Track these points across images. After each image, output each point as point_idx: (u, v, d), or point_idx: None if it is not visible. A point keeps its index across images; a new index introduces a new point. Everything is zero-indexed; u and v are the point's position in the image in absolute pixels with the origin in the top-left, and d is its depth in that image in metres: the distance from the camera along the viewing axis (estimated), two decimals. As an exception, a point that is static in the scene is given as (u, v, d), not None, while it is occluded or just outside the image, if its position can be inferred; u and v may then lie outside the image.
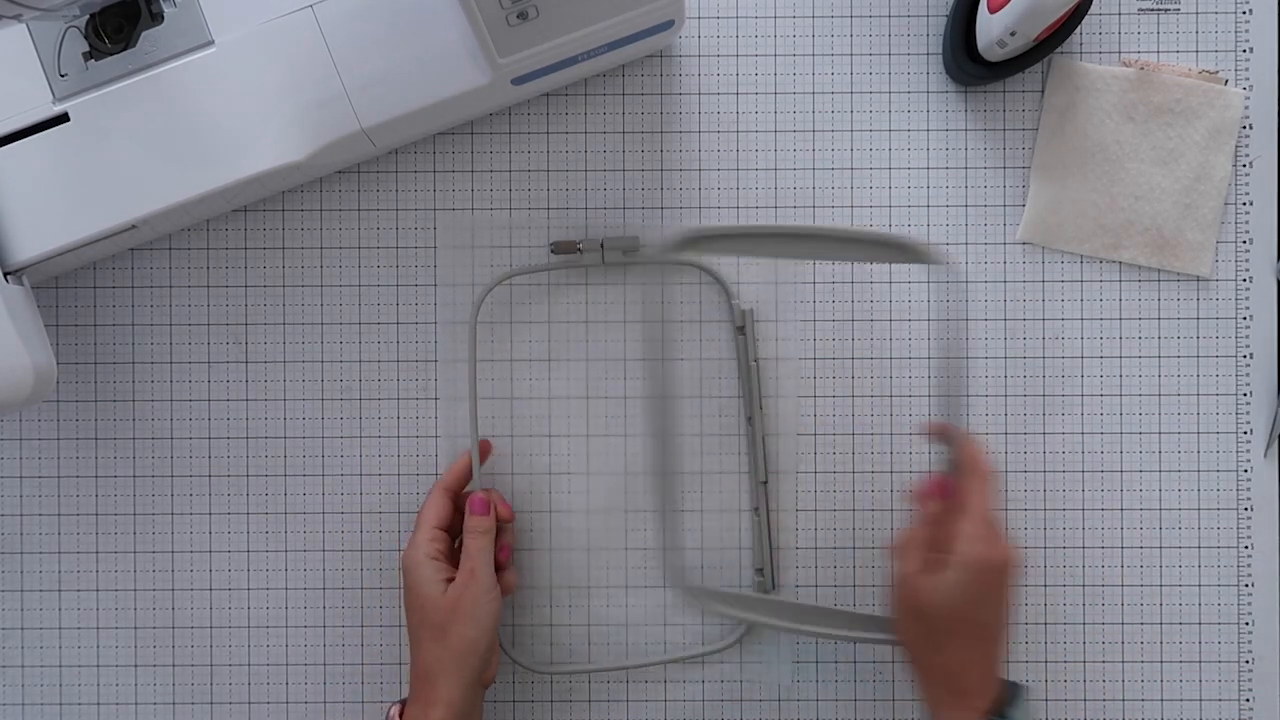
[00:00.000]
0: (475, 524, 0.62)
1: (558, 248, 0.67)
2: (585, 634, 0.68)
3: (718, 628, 0.68)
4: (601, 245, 0.66)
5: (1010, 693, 0.58)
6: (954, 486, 0.58)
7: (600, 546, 0.68)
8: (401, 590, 0.63)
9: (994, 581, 0.56)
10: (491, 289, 0.67)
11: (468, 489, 0.65)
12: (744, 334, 0.67)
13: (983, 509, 0.57)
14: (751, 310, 0.68)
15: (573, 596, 0.68)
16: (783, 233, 0.63)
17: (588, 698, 0.68)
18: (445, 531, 0.63)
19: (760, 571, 0.67)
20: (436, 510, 0.63)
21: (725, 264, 0.68)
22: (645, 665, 0.68)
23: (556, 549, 0.68)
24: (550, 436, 0.68)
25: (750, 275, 0.68)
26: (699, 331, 0.68)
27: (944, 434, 0.61)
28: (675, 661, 0.68)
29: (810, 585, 0.68)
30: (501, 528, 0.64)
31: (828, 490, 0.68)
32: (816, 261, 0.67)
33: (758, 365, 0.67)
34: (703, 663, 0.68)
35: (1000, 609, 0.57)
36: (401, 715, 0.60)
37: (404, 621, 0.63)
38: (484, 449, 0.67)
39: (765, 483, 0.67)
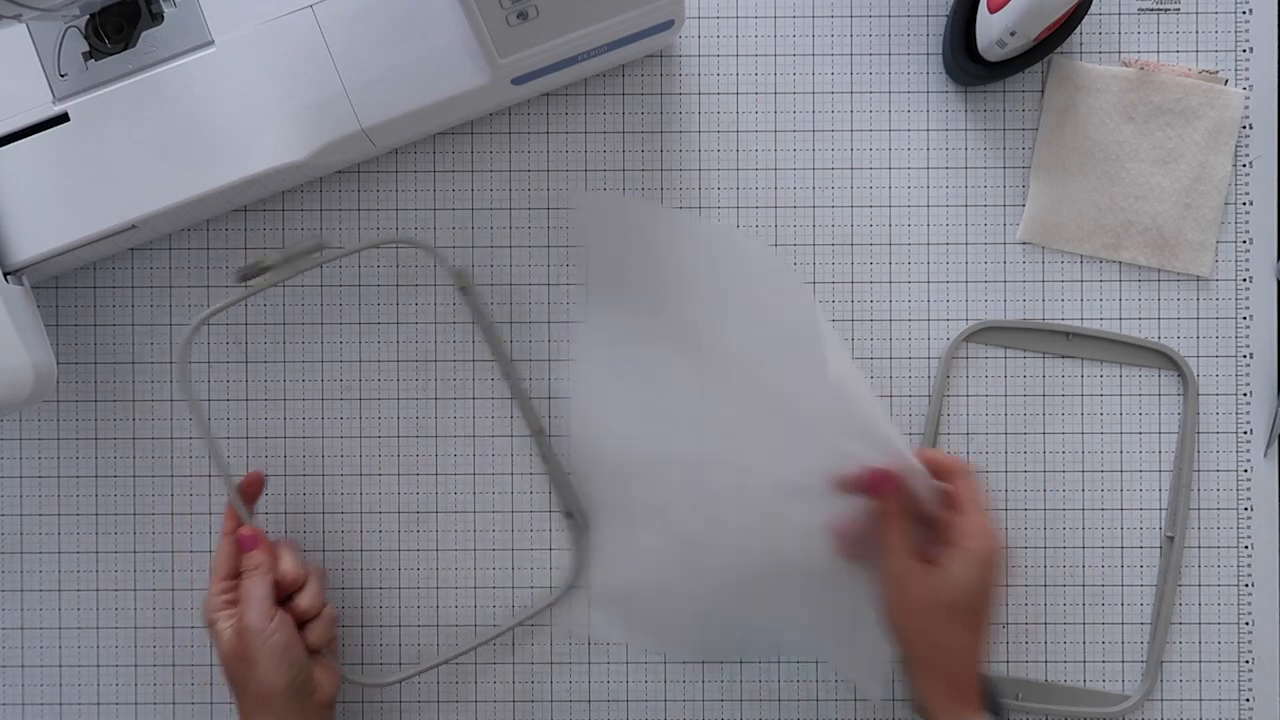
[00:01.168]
0: (247, 561, 0.61)
1: (246, 272, 0.61)
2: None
3: (535, 591, 0.67)
4: (288, 259, 0.62)
5: (989, 686, 0.58)
6: (942, 485, 0.59)
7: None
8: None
9: (997, 573, 0.57)
10: (194, 332, 0.61)
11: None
12: (469, 294, 0.67)
13: (978, 502, 0.58)
14: (469, 269, 0.67)
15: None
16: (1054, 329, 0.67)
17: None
18: (230, 582, 0.61)
19: (569, 515, 0.68)
20: (224, 559, 0.61)
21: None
22: (473, 649, 0.67)
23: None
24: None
25: (450, 241, 0.68)
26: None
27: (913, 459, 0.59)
28: (500, 635, 0.67)
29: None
30: (303, 567, 0.62)
31: None
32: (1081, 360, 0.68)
33: (491, 326, 0.67)
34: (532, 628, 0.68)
35: (995, 599, 0.58)
36: None
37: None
38: (255, 482, 0.64)
39: (542, 433, 0.68)
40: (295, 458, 0.69)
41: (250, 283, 0.61)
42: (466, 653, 0.67)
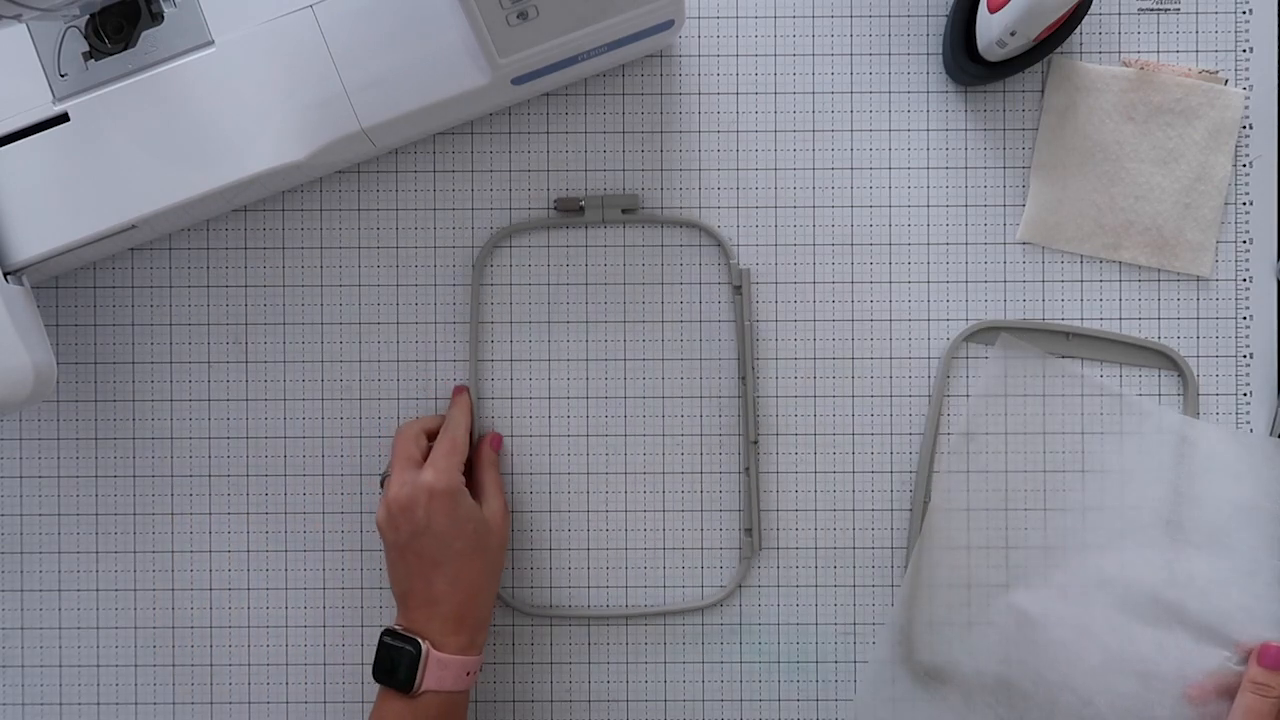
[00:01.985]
0: (494, 459, 0.66)
1: (561, 204, 0.68)
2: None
3: (714, 589, 0.68)
4: (602, 202, 0.67)
5: None
6: None
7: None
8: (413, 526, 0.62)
9: None
10: (494, 243, 0.68)
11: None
12: (740, 294, 0.67)
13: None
14: (749, 270, 0.68)
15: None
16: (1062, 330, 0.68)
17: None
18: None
19: (749, 532, 0.67)
20: (466, 440, 0.65)
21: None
22: (644, 613, 0.68)
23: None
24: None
25: (749, 238, 0.68)
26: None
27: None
28: (674, 612, 0.68)
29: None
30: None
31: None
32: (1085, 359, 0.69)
33: (752, 326, 0.68)
34: (703, 616, 0.68)
35: None
36: (434, 646, 0.60)
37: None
38: (495, 442, 0.67)
39: (755, 443, 0.68)
40: (295, 458, 0.69)
41: (556, 214, 0.68)
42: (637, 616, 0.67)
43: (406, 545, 0.61)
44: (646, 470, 0.68)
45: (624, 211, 0.68)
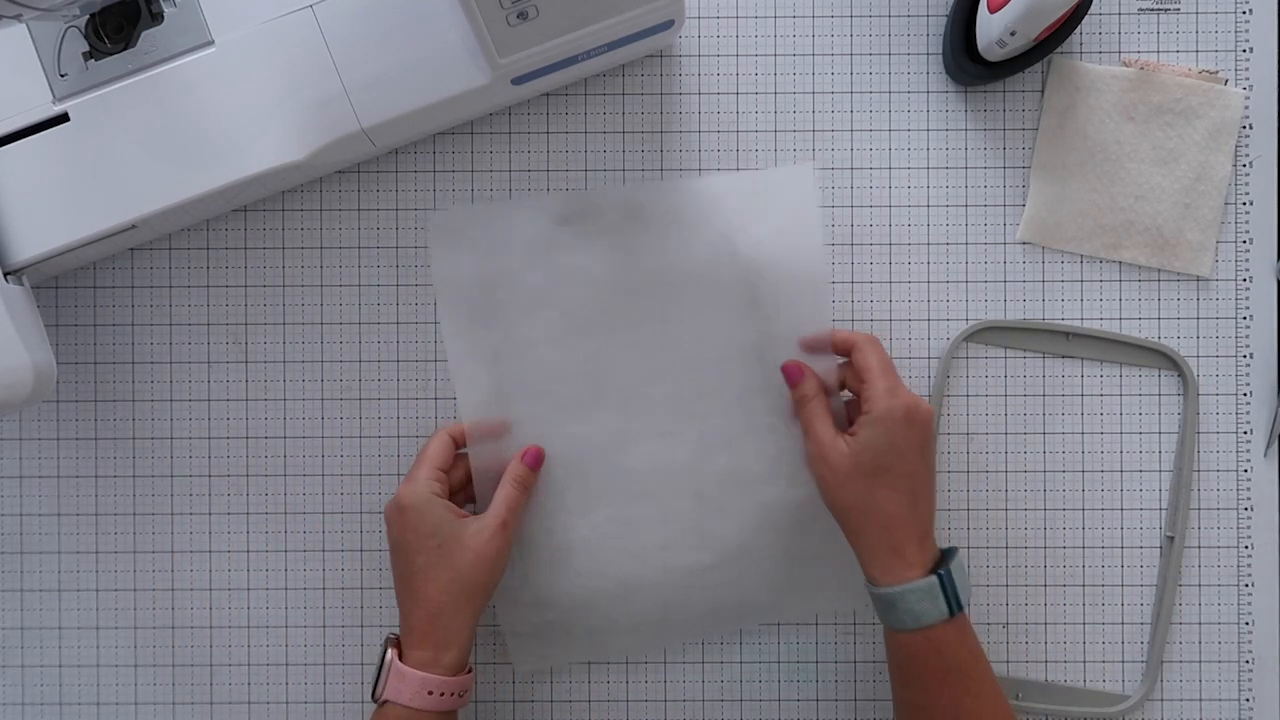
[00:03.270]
0: (524, 476, 0.63)
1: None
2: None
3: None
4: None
5: (947, 555, 0.58)
6: (849, 358, 0.62)
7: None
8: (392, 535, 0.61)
9: (913, 430, 0.58)
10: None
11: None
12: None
13: (883, 366, 0.59)
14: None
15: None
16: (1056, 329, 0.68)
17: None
18: (446, 475, 0.62)
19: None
20: (443, 452, 0.62)
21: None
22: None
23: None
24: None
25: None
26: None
27: (814, 343, 0.63)
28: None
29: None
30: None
31: None
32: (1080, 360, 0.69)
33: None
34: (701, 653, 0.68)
35: (923, 458, 0.59)
36: (401, 657, 0.59)
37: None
38: (532, 458, 0.64)
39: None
40: (295, 458, 0.69)
41: None
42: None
43: (390, 553, 0.61)
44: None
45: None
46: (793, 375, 0.63)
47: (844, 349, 0.62)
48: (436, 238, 0.65)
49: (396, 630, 0.61)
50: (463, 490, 0.64)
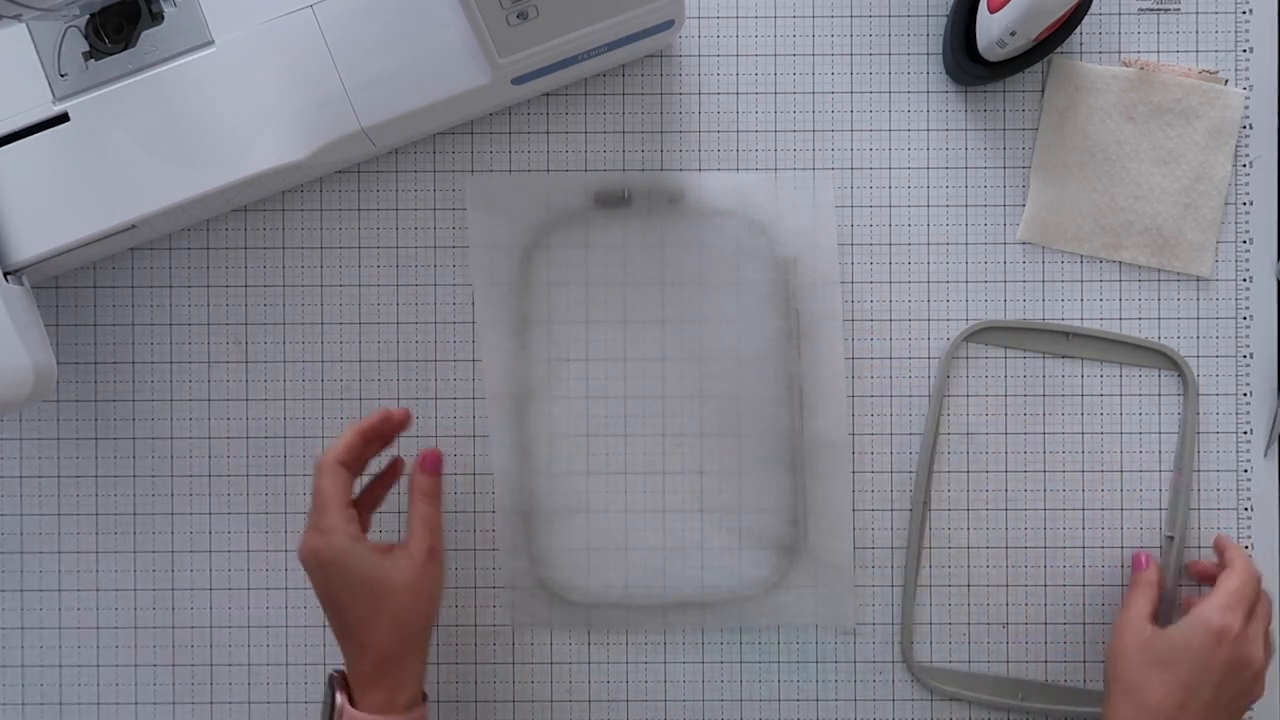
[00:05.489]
0: (429, 487, 0.59)
1: (602, 198, 0.67)
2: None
3: (756, 572, 0.68)
4: (649, 193, 0.67)
5: None
6: (1219, 564, 0.63)
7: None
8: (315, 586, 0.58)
9: (1219, 651, 0.58)
10: (534, 244, 0.67)
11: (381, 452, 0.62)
12: (788, 285, 0.67)
13: (1240, 593, 0.59)
14: (795, 259, 0.67)
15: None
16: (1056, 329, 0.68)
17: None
18: (354, 508, 0.58)
19: (794, 523, 0.67)
20: (343, 486, 0.57)
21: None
22: (681, 603, 0.68)
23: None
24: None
25: (789, 228, 0.67)
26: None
27: (1222, 545, 0.65)
28: (711, 604, 0.68)
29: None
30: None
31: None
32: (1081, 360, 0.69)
33: (798, 314, 0.67)
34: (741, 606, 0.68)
35: (1212, 684, 0.57)
36: (351, 700, 0.56)
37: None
38: (430, 463, 0.61)
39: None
40: (295, 458, 0.69)
41: (599, 209, 0.67)
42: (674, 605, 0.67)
43: (320, 602, 0.58)
44: (647, 471, 0.68)
45: (669, 202, 0.67)
46: (1138, 562, 0.65)
47: (1221, 556, 0.64)
48: (475, 201, 0.67)
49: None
50: (368, 501, 0.63)
